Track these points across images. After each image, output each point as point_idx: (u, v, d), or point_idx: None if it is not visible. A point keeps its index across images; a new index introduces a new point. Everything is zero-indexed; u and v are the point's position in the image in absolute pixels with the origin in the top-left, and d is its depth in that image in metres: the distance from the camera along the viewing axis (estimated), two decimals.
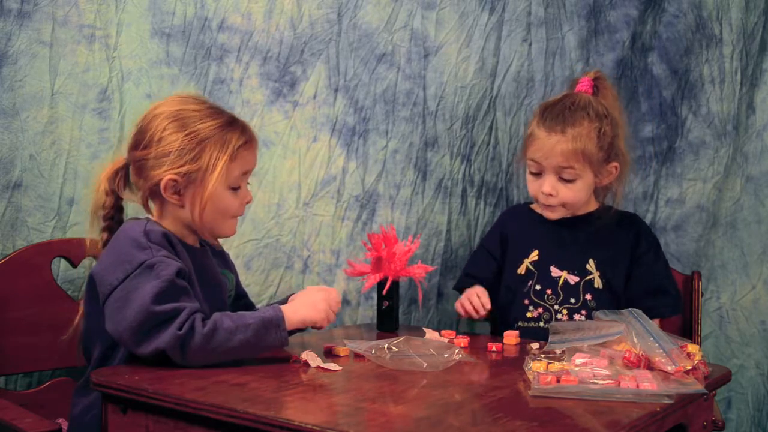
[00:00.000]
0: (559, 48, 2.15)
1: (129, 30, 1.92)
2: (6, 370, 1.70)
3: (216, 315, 1.38)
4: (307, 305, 1.49)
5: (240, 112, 1.99)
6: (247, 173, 1.54)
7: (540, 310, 1.82)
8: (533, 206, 1.95)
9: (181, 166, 1.46)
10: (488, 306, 1.80)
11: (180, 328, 1.32)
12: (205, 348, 1.34)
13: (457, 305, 1.83)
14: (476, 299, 1.80)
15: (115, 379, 1.28)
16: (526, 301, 1.83)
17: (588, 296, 1.80)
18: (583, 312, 1.79)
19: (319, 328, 1.53)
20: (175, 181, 1.46)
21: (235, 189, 1.51)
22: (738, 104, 2.14)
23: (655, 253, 1.85)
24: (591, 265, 1.82)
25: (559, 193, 1.80)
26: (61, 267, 1.80)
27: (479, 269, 1.94)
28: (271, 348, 1.42)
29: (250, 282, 2.00)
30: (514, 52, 2.14)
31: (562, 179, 1.79)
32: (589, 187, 1.82)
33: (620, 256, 1.83)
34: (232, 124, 1.51)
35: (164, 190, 1.47)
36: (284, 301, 1.59)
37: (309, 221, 2.05)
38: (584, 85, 1.86)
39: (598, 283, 1.80)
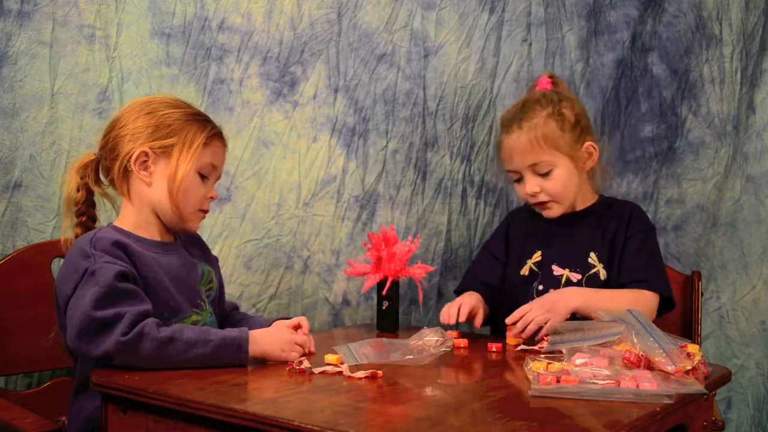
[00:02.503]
0: (559, 48, 2.16)
1: (129, 30, 1.92)
2: (6, 370, 1.70)
3: (177, 326, 1.37)
4: (270, 339, 1.44)
5: (240, 112, 1.99)
6: (215, 169, 1.57)
7: None
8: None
9: (156, 139, 1.50)
10: (463, 317, 1.74)
11: (124, 334, 1.31)
12: (158, 354, 1.33)
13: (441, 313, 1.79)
14: (454, 308, 1.75)
15: (115, 379, 1.28)
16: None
17: None
18: None
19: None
20: (146, 154, 1.49)
21: (202, 178, 1.54)
22: (738, 104, 2.14)
23: (645, 235, 1.82)
24: (593, 258, 1.81)
25: (543, 189, 1.80)
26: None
27: (483, 272, 1.93)
28: (228, 367, 1.39)
29: (250, 282, 2.00)
30: (514, 52, 2.14)
31: (540, 175, 1.79)
32: (571, 174, 1.80)
33: (617, 243, 1.82)
34: (205, 116, 1.58)
35: (134, 163, 1.49)
36: (265, 320, 1.61)
37: (309, 221, 2.05)
38: (543, 83, 1.89)
39: (603, 275, 1.80)
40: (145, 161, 1.50)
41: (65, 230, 1.55)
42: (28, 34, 1.81)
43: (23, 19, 1.81)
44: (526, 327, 1.66)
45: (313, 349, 1.51)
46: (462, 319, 1.74)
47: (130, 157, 1.49)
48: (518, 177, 1.82)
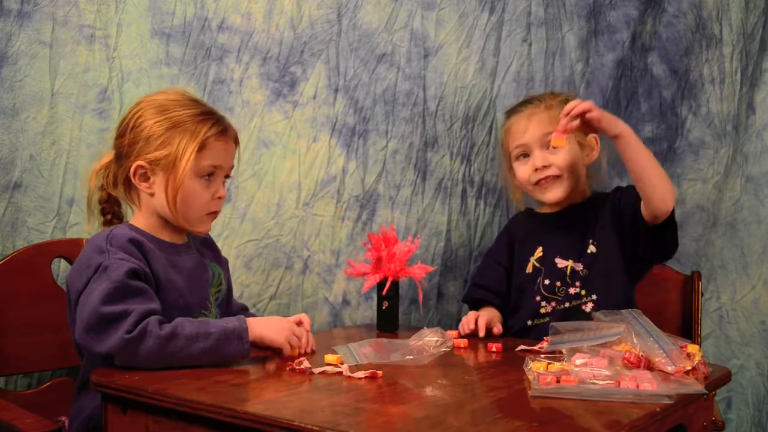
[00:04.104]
0: (559, 48, 2.16)
1: (129, 30, 1.92)
2: (6, 370, 1.70)
3: (178, 320, 1.37)
4: (270, 326, 1.46)
5: (240, 112, 1.99)
6: (219, 168, 1.53)
7: (553, 303, 1.81)
8: (537, 210, 1.96)
9: (149, 152, 1.48)
10: (482, 332, 1.74)
11: (129, 332, 1.31)
12: (161, 351, 1.33)
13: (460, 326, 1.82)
14: (472, 317, 1.77)
15: (115, 379, 1.28)
16: (538, 298, 1.83)
17: None
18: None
19: (281, 351, 1.48)
20: (143, 167, 1.48)
21: (205, 180, 1.51)
22: (738, 104, 2.14)
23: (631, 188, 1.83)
24: (592, 249, 1.82)
25: (552, 162, 1.82)
26: (61, 267, 1.80)
27: (488, 279, 1.94)
28: (231, 359, 1.39)
29: (250, 282, 2.00)
30: (514, 52, 2.14)
31: (549, 150, 1.82)
32: (577, 156, 1.84)
33: (611, 223, 1.82)
34: (206, 114, 1.52)
35: (133, 177, 1.49)
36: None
37: (309, 221, 2.05)
38: None
39: (606, 262, 1.81)
40: (144, 173, 1.49)
41: (88, 227, 1.55)
42: (28, 34, 1.81)
43: (23, 19, 1.81)
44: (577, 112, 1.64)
45: (309, 349, 1.51)
46: (481, 333, 1.74)
47: (129, 171, 1.50)
48: (525, 153, 1.85)
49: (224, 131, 1.53)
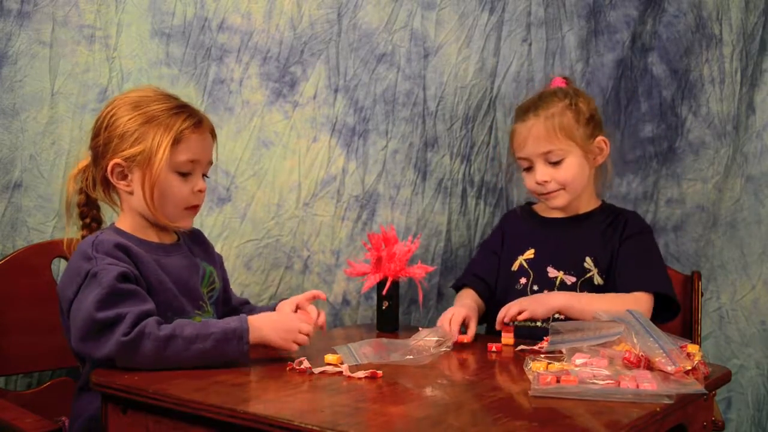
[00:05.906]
0: (559, 48, 2.16)
1: (129, 30, 1.92)
2: (6, 370, 1.70)
3: (178, 321, 1.36)
4: (275, 327, 1.43)
5: (240, 112, 1.99)
6: (197, 162, 1.50)
7: None
8: (535, 207, 1.96)
9: (124, 149, 1.46)
10: (455, 335, 1.67)
11: (126, 335, 1.31)
12: (159, 354, 1.32)
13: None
14: (445, 319, 1.72)
15: (115, 379, 1.28)
16: None
17: None
18: None
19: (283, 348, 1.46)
20: (120, 165, 1.47)
21: (183, 175, 1.49)
22: (738, 104, 2.14)
23: (639, 237, 1.82)
24: (589, 263, 1.81)
25: (553, 178, 1.80)
26: (61, 267, 1.80)
27: (480, 267, 1.93)
28: (230, 361, 1.37)
29: (250, 282, 2.00)
30: (514, 52, 2.14)
31: (551, 163, 1.80)
32: (582, 165, 1.81)
33: (613, 251, 1.81)
34: (180, 107, 1.51)
35: (111, 176, 1.47)
36: (272, 308, 1.60)
37: (309, 221, 2.05)
38: (557, 83, 1.91)
39: (598, 280, 1.79)
40: (121, 171, 1.48)
41: (67, 232, 1.55)
42: (28, 34, 1.81)
43: (23, 19, 1.81)
44: (509, 318, 1.68)
45: (322, 321, 1.54)
46: (456, 330, 1.69)
47: (106, 170, 1.48)
48: (528, 165, 1.83)
49: (199, 123, 1.51)
